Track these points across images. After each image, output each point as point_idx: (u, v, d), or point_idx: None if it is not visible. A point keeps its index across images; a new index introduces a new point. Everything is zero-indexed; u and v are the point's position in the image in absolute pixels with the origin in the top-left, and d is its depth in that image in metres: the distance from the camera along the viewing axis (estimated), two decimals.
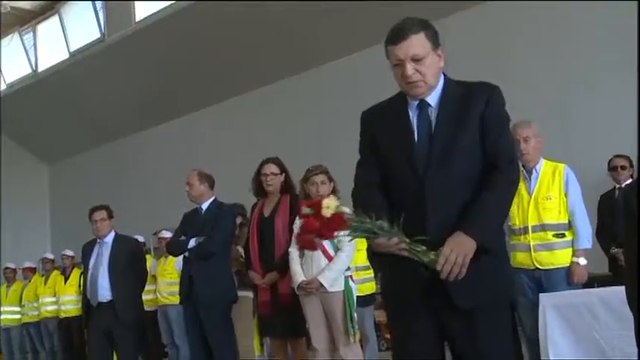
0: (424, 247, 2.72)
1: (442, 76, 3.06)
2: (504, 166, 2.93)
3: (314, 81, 15.34)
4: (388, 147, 3.09)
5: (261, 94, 16.22)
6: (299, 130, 15.15)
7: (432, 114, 3.01)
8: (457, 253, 2.70)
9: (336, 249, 5.81)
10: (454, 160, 2.92)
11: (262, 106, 16.01)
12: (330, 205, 2.48)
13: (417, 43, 2.90)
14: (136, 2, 17.93)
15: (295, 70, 15.60)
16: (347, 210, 2.76)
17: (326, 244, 5.73)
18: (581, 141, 10.46)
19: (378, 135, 3.14)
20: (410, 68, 2.90)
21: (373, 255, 3.07)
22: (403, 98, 3.10)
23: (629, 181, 7.68)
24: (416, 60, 2.90)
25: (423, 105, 3.01)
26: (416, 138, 3.01)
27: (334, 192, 5.97)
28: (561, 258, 5.88)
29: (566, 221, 5.91)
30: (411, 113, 3.05)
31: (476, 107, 2.97)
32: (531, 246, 5.88)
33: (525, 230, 5.90)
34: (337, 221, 2.54)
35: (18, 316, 13.96)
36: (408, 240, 2.71)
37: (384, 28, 3.04)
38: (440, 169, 2.91)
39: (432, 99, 3.02)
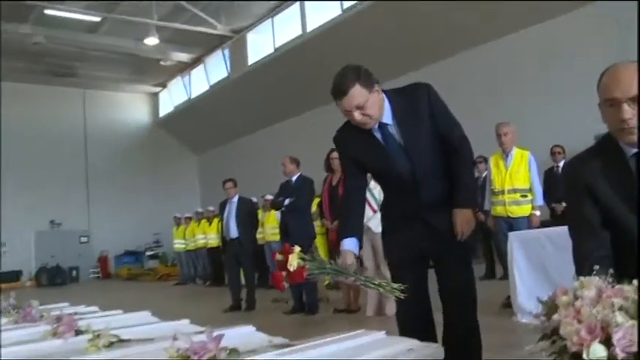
0: (375, 281, 2.38)
1: (385, 97, 2.56)
2: (459, 147, 2.60)
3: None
4: (371, 164, 2.68)
5: None
6: None
7: (393, 129, 2.57)
8: (463, 223, 2.54)
9: (379, 204, 5.73)
10: (424, 153, 2.57)
11: None
12: (293, 263, 2.15)
13: (356, 95, 2.41)
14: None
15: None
16: (306, 261, 2.25)
17: (369, 199, 5.68)
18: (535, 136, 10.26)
19: (358, 157, 2.66)
20: (357, 115, 2.45)
21: None
22: None
23: (563, 161, 7.87)
24: (359, 107, 2.44)
25: (383, 126, 2.55)
26: (391, 151, 2.58)
27: None
28: (525, 210, 6.03)
29: (528, 187, 6.06)
30: (376, 135, 2.58)
31: (422, 109, 2.56)
32: (506, 202, 6.07)
33: (502, 192, 6.06)
34: (299, 273, 2.19)
35: (183, 246, 14.28)
36: (362, 277, 2.38)
37: None
38: (418, 162, 2.56)
39: (387, 118, 2.55)
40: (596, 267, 1.49)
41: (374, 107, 2.49)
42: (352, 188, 2.75)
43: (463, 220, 2.55)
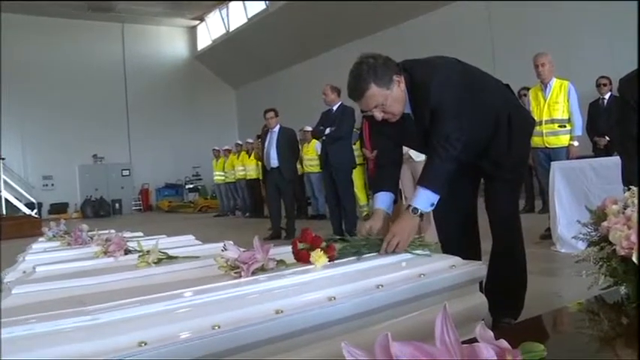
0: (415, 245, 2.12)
1: (406, 92, 2.30)
2: (435, 146, 2.24)
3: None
4: (398, 138, 2.49)
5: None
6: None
7: (412, 118, 2.33)
8: (397, 234, 2.09)
9: None
10: None
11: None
12: (318, 262, 1.81)
13: (373, 97, 2.20)
14: None
15: None
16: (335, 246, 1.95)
17: None
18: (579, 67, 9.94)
19: (385, 132, 2.45)
20: (378, 114, 2.25)
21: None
22: None
23: (609, 94, 7.59)
24: (379, 106, 2.23)
25: (405, 116, 2.32)
26: (415, 133, 2.35)
27: None
28: (563, 140, 5.91)
29: (567, 117, 5.90)
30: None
31: (425, 107, 2.26)
32: (544, 132, 5.91)
33: (540, 122, 5.83)
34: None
35: (223, 178, 14.49)
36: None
37: None
38: None
39: (408, 109, 2.32)
40: None
41: (395, 105, 2.26)
42: (385, 146, 2.56)
43: (399, 231, 2.09)
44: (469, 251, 2.49)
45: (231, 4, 20.61)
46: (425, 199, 2.19)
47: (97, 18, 20.67)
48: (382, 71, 2.21)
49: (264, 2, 18.56)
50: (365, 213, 9.55)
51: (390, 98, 2.23)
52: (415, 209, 2.18)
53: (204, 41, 22.94)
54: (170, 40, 23.22)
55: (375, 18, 14.57)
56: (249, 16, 19.49)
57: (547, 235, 5.47)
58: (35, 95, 19.34)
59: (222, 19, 21.29)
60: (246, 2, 19.58)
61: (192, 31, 23.57)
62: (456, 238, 2.67)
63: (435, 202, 2.20)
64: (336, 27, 16.21)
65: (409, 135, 2.43)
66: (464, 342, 0.78)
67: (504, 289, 2.57)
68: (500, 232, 2.64)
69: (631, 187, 1.49)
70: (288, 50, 18.73)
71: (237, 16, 20.37)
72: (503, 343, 0.76)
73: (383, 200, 2.38)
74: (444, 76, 2.31)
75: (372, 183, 7.07)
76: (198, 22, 22.94)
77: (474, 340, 0.78)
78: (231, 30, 20.89)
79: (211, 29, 22.27)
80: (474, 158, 2.57)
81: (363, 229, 2.23)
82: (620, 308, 1.34)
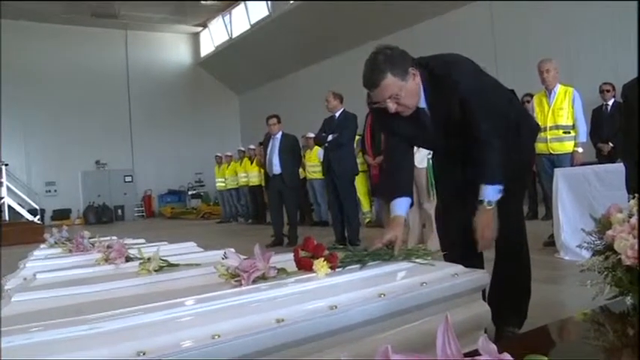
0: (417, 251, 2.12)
1: (421, 86, 2.30)
2: (484, 141, 2.28)
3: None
4: (409, 136, 2.47)
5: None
6: None
7: (427, 113, 2.35)
8: (484, 228, 2.30)
9: None
10: (459, 137, 2.36)
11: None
12: (320, 271, 1.78)
13: (388, 87, 2.18)
14: None
15: None
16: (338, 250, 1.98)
17: None
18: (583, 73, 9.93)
19: (395, 129, 2.45)
20: (392, 106, 2.23)
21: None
22: None
23: (612, 100, 7.64)
24: (393, 97, 2.21)
25: (419, 110, 2.33)
26: (428, 128, 2.38)
27: None
28: (567, 147, 5.91)
29: (572, 123, 5.90)
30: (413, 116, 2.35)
31: (450, 98, 2.27)
32: (548, 139, 5.90)
33: (545, 129, 5.81)
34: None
35: (225, 184, 14.48)
36: (401, 254, 2.08)
37: None
38: (452, 144, 2.43)
39: (422, 103, 2.32)
40: None
41: (409, 97, 2.25)
42: (398, 154, 2.53)
43: (482, 225, 2.30)
44: (473, 260, 2.48)
45: (234, 10, 20.66)
46: (492, 193, 2.29)
47: (101, 24, 20.78)
48: (399, 62, 2.21)
49: (266, 8, 18.60)
50: (367, 220, 9.53)
51: (405, 90, 2.22)
52: (489, 202, 2.29)
53: (207, 47, 23.02)
54: (173, 47, 23.30)
55: (376, 25, 14.58)
56: (252, 23, 19.55)
57: (551, 242, 5.44)
58: (38, 101, 19.44)
59: (225, 26, 21.37)
60: (248, 8, 19.61)
61: (195, 38, 23.65)
62: (459, 247, 2.65)
63: (502, 188, 2.30)
64: (338, 34, 16.25)
65: (423, 132, 2.41)
66: (466, 354, 0.76)
67: (508, 297, 2.54)
68: (504, 239, 2.61)
69: (636, 195, 1.47)
70: (290, 56, 18.77)
71: (239, 23, 20.45)
72: (507, 356, 0.75)
73: (402, 206, 2.39)
74: (470, 67, 2.35)
75: (378, 188, 7.05)
76: (201, 28, 23.04)
77: (476, 353, 0.76)
78: (234, 36, 20.96)
79: (214, 35, 22.35)
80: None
81: (385, 239, 2.18)
82: (626, 319, 1.33)
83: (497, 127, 2.32)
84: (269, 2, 18.48)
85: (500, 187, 2.29)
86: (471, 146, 2.35)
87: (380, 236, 2.21)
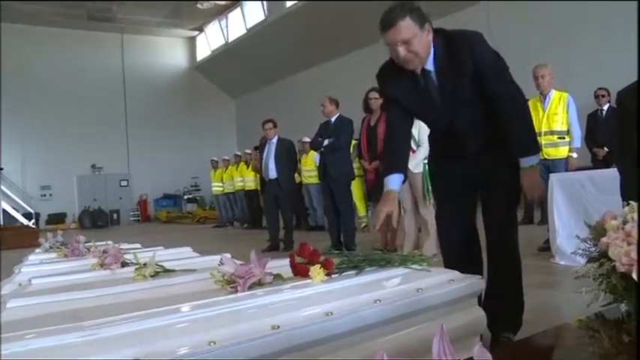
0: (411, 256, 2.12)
1: (432, 47, 2.38)
2: (507, 94, 2.42)
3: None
4: (413, 108, 2.54)
5: None
6: None
7: (433, 77, 2.42)
8: (531, 187, 2.45)
9: (417, 144, 5.71)
10: (464, 107, 2.44)
11: None
12: (316, 278, 1.79)
13: (404, 29, 2.26)
14: None
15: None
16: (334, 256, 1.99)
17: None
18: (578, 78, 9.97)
19: (400, 98, 2.51)
20: (402, 50, 2.29)
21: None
22: None
23: (607, 105, 7.71)
24: (406, 42, 2.28)
25: (426, 73, 2.41)
26: (432, 99, 2.45)
27: None
28: (562, 152, 6.03)
29: (566, 129, 6.02)
30: (420, 79, 2.44)
31: (464, 61, 2.36)
32: (543, 144, 5.97)
33: (539, 134, 5.91)
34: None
35: (221, 188, 14.47)
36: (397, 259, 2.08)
37: None
38: (457, 115, 2.46)
39: (429, 65, 2.39)
40: None
41: (420, 47, 2.31)
42: (396, 133, 2.60)
43: (530, 184, 2.46)
44: (474, 266, 2.52)
45: (230, 14, 20.67)
46: (531, 160, 2.46)
47: (97, 28, 20.74)
48: (419, 13, 2.31)
49: (262, 13, 18.61)
50: (363, 225, 9.53)
51: (418, 38, 2.30)
52: (532, 165, 2.45)
53: (203, 52, 23.02)
54: (169, 51, 23.28)
55: (373, 29, 14.59)
56: (249, 27, 19.57)
57: (546, 247, 5.45)
58: (34, 105, 19.40)
59: (222, 30, 21.39)
60: (245, 12, 19.63)
61: (191, 42, 23.65)
62: (459, 253, 2.66)
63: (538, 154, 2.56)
64: (335, 38, 16.26)
65: (428, 101, 2.46)
66: None
67: (503, 302, 2.55)
68: (498, 243, 2.62)
69: (630, 202, 1.48)
70: (287, 61, 18.78)
71: (236, 27, 20.46)
72: None
73: (395, 182, 2.46)
74: (486, 41, 2.43)
75: (374, 193, 7.05)
76: (197, 32, 23.04)
77: None
78: (230, 40, 20.97)
79: (210, 40, 22.36)
80: (479, 157, 2.55)
81: (382, 216, 2.32)
82: (621, 326, 1.33)
83: (513, 92, 2.45)
84: (264, 3, 18.45)
85: (538, 153, 2.54)
86: (486, 123, 2.47)
87: (377, 215, 2.35)
